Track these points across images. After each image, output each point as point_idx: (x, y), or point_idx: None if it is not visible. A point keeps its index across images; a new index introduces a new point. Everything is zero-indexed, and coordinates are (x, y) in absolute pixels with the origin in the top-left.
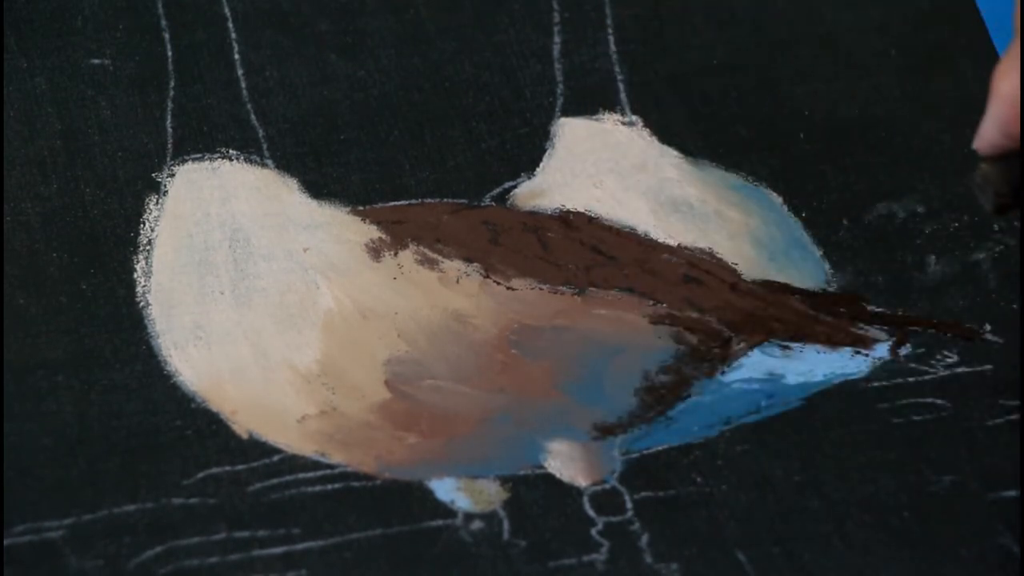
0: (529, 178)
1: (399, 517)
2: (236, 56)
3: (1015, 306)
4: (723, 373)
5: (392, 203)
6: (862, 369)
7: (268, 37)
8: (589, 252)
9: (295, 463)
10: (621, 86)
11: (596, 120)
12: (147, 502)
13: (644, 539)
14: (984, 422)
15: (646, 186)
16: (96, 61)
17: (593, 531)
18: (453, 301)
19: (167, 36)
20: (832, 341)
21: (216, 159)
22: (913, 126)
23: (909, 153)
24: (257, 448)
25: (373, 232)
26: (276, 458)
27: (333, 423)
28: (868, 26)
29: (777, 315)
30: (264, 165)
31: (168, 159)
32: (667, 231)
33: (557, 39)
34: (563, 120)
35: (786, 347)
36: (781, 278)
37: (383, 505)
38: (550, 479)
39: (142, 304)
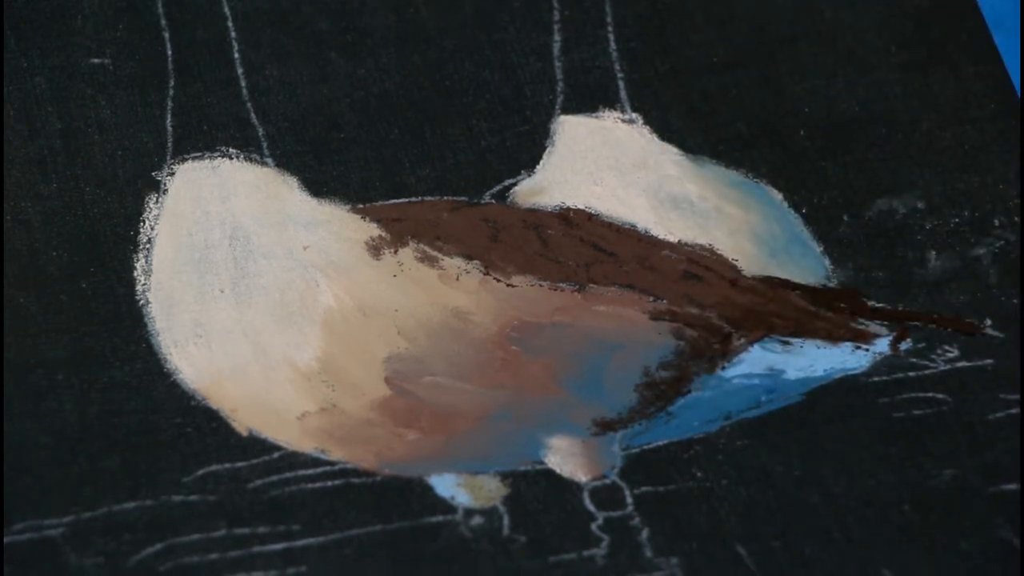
0: (529, 175)
1: (399, 513)
2: (236, 55)
3: (1015, 301)
4: (723, 369)
5: (392, 201)
6: (862, 364)
7: (268, 36)
8: (589, 249)
9: (295, 460)
10: (621, 84)
11: (596, 118)
12: (147, 499)
13: (644, 534)
14: (984, 416)
15: (646, 183)
16: (96, 61)
17: (593, 526)
18: (453, 298)
19: (167, 36)
20: (832, 336)
21: (216, 157)
22: (913, 122)
23: (909, 149)
24: (257, 445)
25: (373, 230)
26: (276, 455)
27: (333, 420)
28: (868, 23)
29: (777, 311)
30: (264, 163)
31: (168, 158)
32: (667, 228)
33: (557, 37)
34: (563, 118)
35: (786, 342)
36: (781, 274)
37: (383, 501)
38: (550, 475)
39: (142, 302)
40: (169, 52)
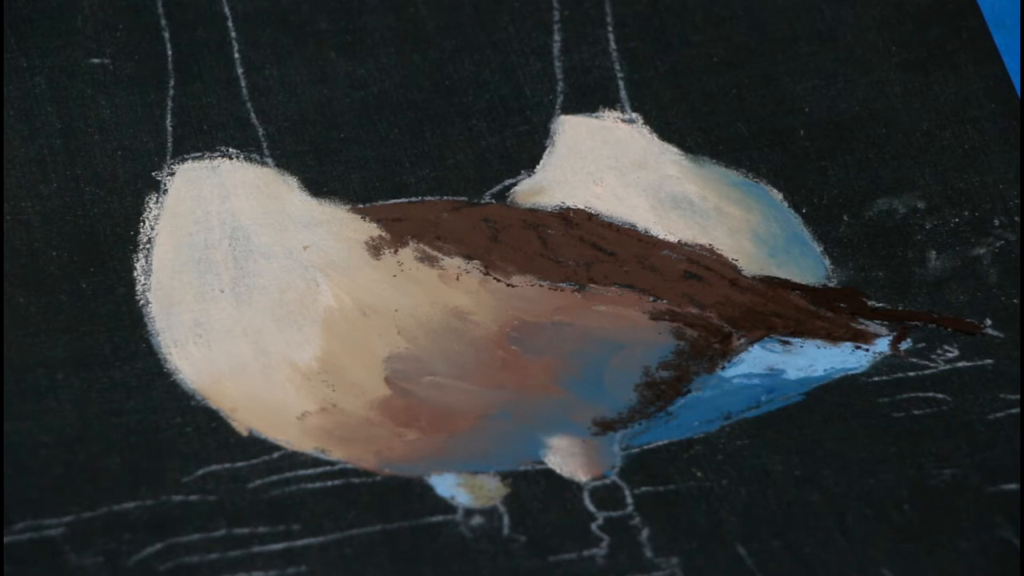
0: (529, 175)
1: (399, 513)
2: (236, 55)
3: (1015, 301)
4: (723, 368)
5: (392, 201)
6: (862, 364)
7: (268, 36)
8: (589, 249)
9: (295, 460)
10: (621, 83)
11: (596, 117)
12: (147, 499)
13: (644, 533)
14: (984, 416)
15: (646, 183)
16: (96, 60)
17: (593, 526)
18: (453, 298)
19: (167, 35)
20: (832, 336)
21: (216, 157)
22: (913, 122)
23: (909, 149)
24: (257, 445)
25: (373, 230)
26: (276, 455)
27: (333, 420)
28: (868, 23)
29: (777, 310)
30: (264, 163)
31: (168, 158)
32: (667, 228)
33: (557, 37)
34: (563, 118)
35: (786, 342)
36: (781, 274)
37: (383, 501)
38: (550, 474)
39: (142, 302)
40: (169, 52)
